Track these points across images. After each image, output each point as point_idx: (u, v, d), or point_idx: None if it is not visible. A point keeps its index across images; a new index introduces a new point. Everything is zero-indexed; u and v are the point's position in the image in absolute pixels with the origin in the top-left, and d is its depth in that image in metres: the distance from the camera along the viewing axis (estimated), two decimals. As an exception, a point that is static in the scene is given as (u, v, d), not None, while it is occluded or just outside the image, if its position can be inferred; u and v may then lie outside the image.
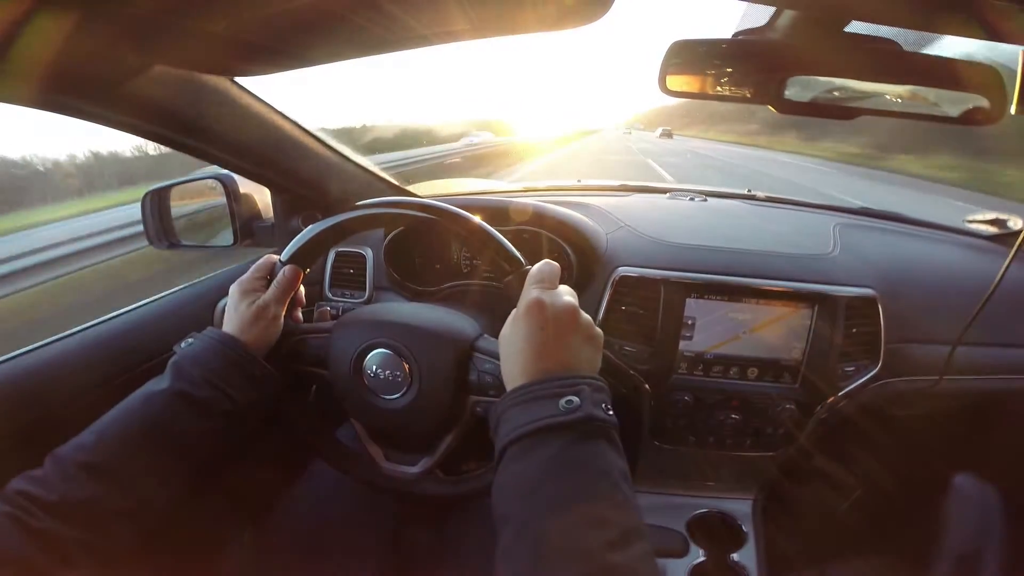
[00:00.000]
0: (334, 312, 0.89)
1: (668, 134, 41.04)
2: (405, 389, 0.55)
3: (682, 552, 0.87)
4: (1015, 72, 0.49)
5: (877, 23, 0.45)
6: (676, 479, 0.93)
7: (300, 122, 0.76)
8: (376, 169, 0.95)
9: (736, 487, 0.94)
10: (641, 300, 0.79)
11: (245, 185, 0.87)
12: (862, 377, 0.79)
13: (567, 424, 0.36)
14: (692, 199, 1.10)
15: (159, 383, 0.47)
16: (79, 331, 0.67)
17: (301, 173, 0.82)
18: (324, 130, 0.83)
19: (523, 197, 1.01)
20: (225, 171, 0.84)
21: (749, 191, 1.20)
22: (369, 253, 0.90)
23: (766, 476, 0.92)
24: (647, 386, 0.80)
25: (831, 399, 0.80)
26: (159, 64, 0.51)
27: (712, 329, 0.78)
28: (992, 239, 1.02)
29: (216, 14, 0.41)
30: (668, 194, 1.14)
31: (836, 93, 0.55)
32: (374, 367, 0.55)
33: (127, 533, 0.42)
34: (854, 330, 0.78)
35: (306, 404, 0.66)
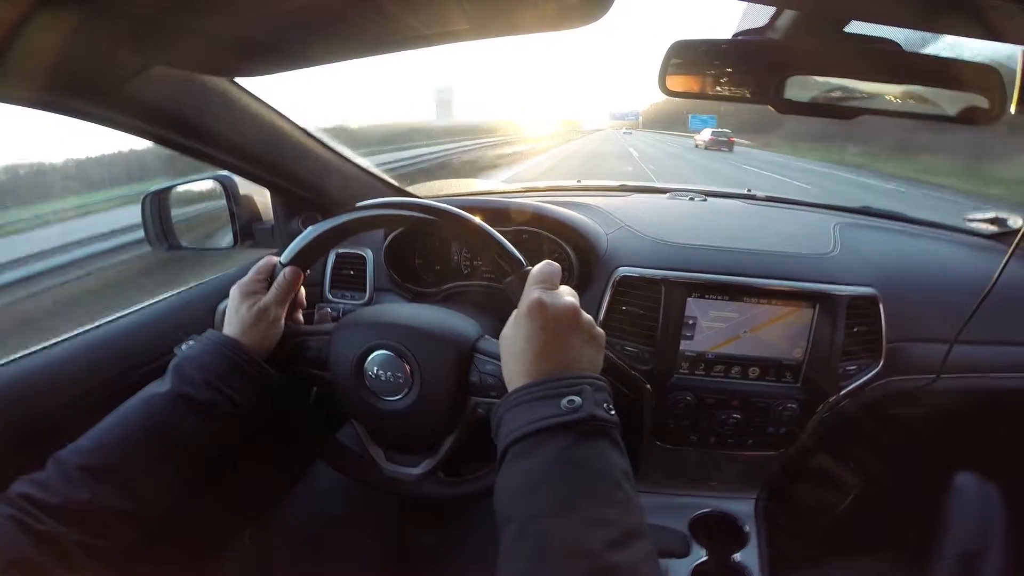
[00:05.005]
0: (334, 314, 0.89)
1: (722, 142, 20.12)
2: (406, 390, 0.55)
3: (684, 552, 0.87)
4: (1015, 72, 0.49)
5: (877, 23, 0.45)
6: (678, 479, 0.93)
7: (299, 123, 0.76)
8: (376, 170, 0.96)
9: (738, 487, 0.94)
10: (642, 300, 0.79)
11: (245, 187, 0.87)
12: (863, 376, 0.79)
13: (569, 424, 0.36)
14: (692, 199, 1.10)
15: (160, 385, 0.47)
16: (80, 334, 0.67)
17: (301, 174, 0.82)
18: (323, 130, 0.83)
19: (523, 197, 1.01)
20: (225, 172, 0.83)
21: (749, 191, 1.20)
22: (369, 254, 0.90)
23: (768, 475, 0.92)
24: (649, 386, 0.80)
25: (832, 398, 0.80)
26: (159, 64, 0.51)
27: (713, 329, 0.78)
28: (992, 237, 1.02)
29: (216, 14, 0.41)
30: (668, 194, 1.14)
31: (836, 93, 0.55)
32: (375, 368, 0.55)
33: (129, 535, 0.42)
34: (855, 329, 0.78)
35: (307, 406, 0.66)
